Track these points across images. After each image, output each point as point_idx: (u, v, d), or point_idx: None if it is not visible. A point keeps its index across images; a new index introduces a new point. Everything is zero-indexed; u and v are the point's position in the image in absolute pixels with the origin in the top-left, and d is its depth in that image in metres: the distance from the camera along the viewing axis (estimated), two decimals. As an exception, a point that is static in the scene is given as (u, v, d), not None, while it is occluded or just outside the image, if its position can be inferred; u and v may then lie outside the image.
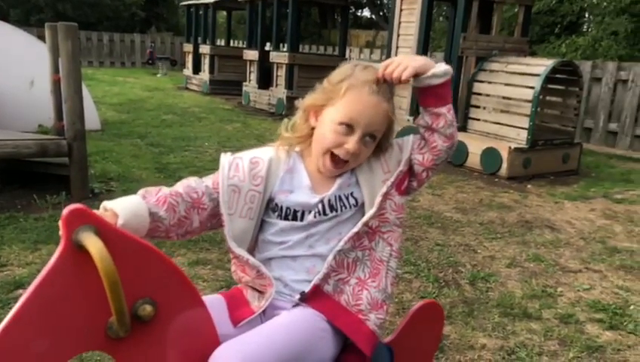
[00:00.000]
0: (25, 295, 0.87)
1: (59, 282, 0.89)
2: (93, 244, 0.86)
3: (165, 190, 1.17)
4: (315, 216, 1.22)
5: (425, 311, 1.40)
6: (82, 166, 3.90)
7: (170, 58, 17.70)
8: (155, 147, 5.93)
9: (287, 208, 1.23)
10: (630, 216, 4.31)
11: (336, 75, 1.25)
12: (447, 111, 1.23)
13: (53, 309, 0.89)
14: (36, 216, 3.48)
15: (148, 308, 0.95)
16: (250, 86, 10.43)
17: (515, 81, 5.55)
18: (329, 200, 1.23)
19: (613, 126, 7.68)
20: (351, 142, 1.19)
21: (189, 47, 13.28)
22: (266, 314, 1.22)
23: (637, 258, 3.40)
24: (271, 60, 9.66)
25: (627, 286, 2.96)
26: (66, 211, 0.89)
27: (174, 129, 7.18)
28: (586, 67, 7.73)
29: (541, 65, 5.46)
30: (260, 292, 1.24)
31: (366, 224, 1.23)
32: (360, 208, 1.25)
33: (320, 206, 1.22)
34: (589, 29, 12.90)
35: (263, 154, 1.27)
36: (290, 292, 1.22)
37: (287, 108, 8.83)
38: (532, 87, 5.32)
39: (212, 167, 5.10)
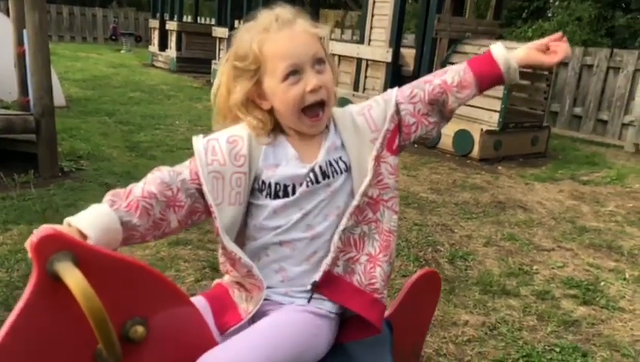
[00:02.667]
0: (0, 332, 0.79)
1: (35, 316, 0.80)
2: (72, 278, 0.77)
3: (136, 191, 1.02)
4: (307, 186, 1.10)
5: (423, 281, 1.37)
6: (51, 143, 3.75)
7: (135, 34, 17.14)
8: (125, 125, 5.76)
9: (277, 184, 1.10)
10: (596, 196, 4.47)
11: (238, 50, 1.14)
12: (473, 93, 1.22)
13: (32, 344, 0.81)
14: (3, 196, 3.33)
15: (139, 329, 0.89)
16: (220, 64, 10.23)
17: (488, 64, 5.59)
18: (320, 167, 1.12)
19: (577, 110, 7.89)
20: (309, 81, 1.08)
21: (154, 23, 12.88)
22: (255, 320, 1.11)
23: (604, 236, 3.53)
24: (241, 38, 9.47)
25: (597, 264, 3.08)
26: (36, 238, 0.77)
27: (143, 107, 6.99)
28: (553, 51, 7.87)
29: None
30: (248, 291, 1.13)
31: (365, 194, 1.13)
32: (349, 174, 1.14)
33: (312, 175, 1.11)
34: (555, 14, 13.15)
35: (240, 131, 1.14)
36: (287, 289, 1.13)
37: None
38: (504, 70, 5.38)
39: (184, 145, 4.99)
